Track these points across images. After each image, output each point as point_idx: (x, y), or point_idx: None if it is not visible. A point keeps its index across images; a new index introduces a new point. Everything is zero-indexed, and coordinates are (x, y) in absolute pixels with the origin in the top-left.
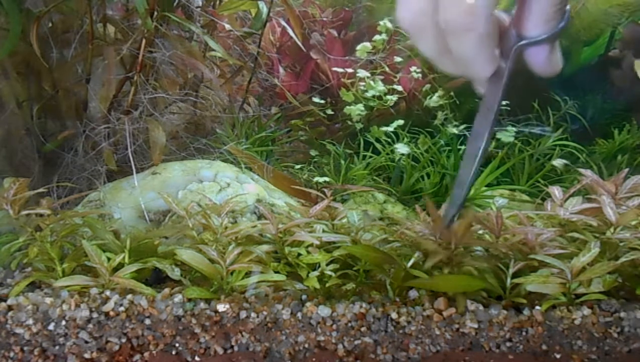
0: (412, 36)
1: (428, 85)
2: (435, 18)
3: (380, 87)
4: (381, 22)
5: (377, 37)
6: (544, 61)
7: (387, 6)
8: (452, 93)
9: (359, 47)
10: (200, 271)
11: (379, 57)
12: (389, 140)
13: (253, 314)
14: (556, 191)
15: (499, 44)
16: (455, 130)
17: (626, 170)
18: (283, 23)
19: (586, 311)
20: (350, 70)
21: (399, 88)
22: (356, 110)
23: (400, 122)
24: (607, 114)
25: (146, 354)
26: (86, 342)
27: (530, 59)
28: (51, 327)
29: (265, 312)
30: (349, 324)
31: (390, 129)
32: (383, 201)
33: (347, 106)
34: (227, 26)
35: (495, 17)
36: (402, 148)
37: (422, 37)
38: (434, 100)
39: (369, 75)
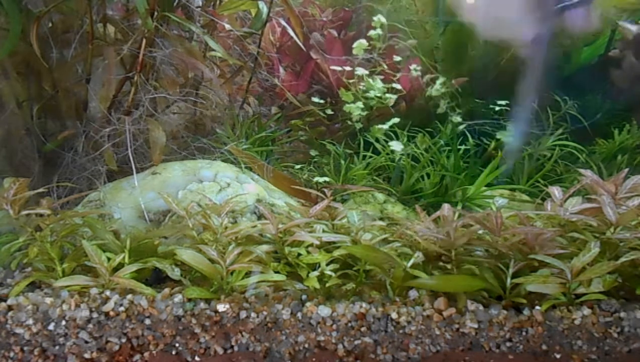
0: (458, 4)
1: (428, 76)
2: None
3: (379, 84)
4: (375, 18)
5: (372, 32)
6: (582, 21)
7: (386, 6)
8: (453, 82)
9: (355, 44)
10: (200, 271)
11: (377, 53)
12: (389, 140)
13: (253, 314)
14: (556, 191)
15: (538, 9)
16: (459, 119)
17: (626, 170)
18: (283, 23)
19: (586, 311)
20: (348, 68)
21: (398, 87)
22: (355, 108)
23: (397, 120)
24: (607, 114)
25: (146, 354)
26: (86, 342)
27: (568, 21)
28: (51, 327)
29: (265, 312)
30: (349, 324)
31: (385, 126)
32: (383, 201)
33: (346, 104)
34: (227, 26)
35: None
36: (396, 145)
37: (469, 4)
38: (436, 88)
39: (367, 73)
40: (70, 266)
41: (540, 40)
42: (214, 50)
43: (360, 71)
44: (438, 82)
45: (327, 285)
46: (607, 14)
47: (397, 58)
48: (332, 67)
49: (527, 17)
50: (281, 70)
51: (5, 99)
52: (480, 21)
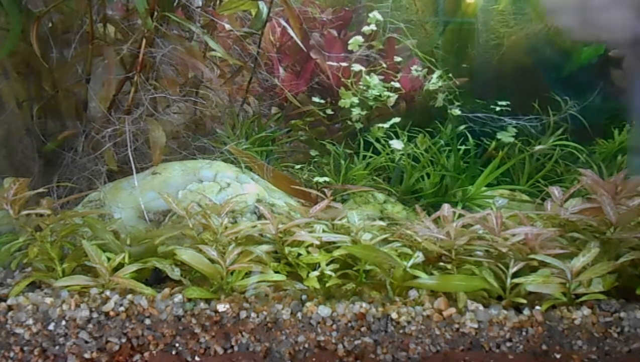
0: (553, 7)
1: (425, 70)
2: None
3: (376, 81)
4: (371, 15)
5: (365, 27)
6: None
7: (386, 6)
8: (451, 75)
9: (351, 40)
10: (200, 271)
11: (375, 51)
12: (389, 139)
13: (253, 314)
14: (556, 191)
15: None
16: (458, 112)
17: (626, 170)
18: (283, 23)
19: (586, 311)
20: (344, 64)
21: (398, 85)
22: (351, 102)
23: (397, 119)
24: (607, 114)
25: (146, 354)
26: (86, 342)
27: None
28: (51, 327)
29: (265, 312)
30: (349, 324)
31: (386, 125)
32: (383, 201)
33: (342, 100)
34: (227, 26)
35: None
36: (396, 144)
37: (564, 8)
38: (433, 81)
39: (364, 69)
40: (70, 266)
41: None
42: (214, 50)
43: (357, 67)
44: (435, 75)
45: (327, 285)
46: None
47: (398, 58)
48: (328, 63)
49: (627, 18)
50: (281, 70)
51: (5, 99)
52: (577, 24)
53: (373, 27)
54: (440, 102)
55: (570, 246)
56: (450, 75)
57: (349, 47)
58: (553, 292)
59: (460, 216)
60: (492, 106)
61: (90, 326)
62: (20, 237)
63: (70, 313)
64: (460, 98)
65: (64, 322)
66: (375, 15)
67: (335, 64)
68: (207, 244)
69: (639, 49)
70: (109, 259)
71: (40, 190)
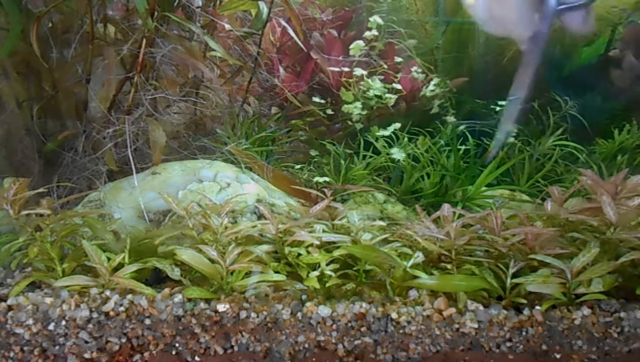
0: (470, 8)
1: (422, 75)
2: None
3: (378, 84)
4: (371, 19)
5: (367, 33)
6: (581, 23)
7: (386, 6)
8: (448, 83)
9: (352, 45)
10: (200, 271)
11: (376, 53)
12: (390, 140)
13: (253, 314)
14: (556, 190)
15: (538, 8)
16: (453, 119)
17: (626, 170)
18: (283, 23)
19: (586, 311)
20: (346, 69)
21: (399, 87)
22: (354, 107)
23: (398, 125)
24: (607, 114)
25: (146, 354)
26: (86, 342)
27: (567, 21)
28: (51, 327)
29: (265, 312)
30: (349, 324)
31: (387, 133)
32: (383, 201)
33: (345, 105)
34: (227, 26)
35: None
36: (397, 154)
37: (477, 7)
38: (430, 88)
39: (366, 73)
40: (70, 266)
41: (539, 38)
42: (214, 50)
43: (359, 71)
44: (432, 82)
45: (327, 285)
46: (608, 14)
47: (399, 59)
48: (330, 68)
49: (528, 15)
50: (281, 70)
51: (5, 99)
52: (482, 18)
53: (375, 32)
54: (436, 109)
55: (570, 246)
56: (448, 82)
57: (351, 53)
58: (553, 292)
59: (460, 216)
60: (492, 106)
61: (90, 326)
62: (20, 237)
63: (70, 313)
64: (457, 103)
65: (64, 322)
66: (376, 19)
67: (336, 69)
68: (207, 244)
69: (535, 41)
70: (109, 259)
71: (40, 190)
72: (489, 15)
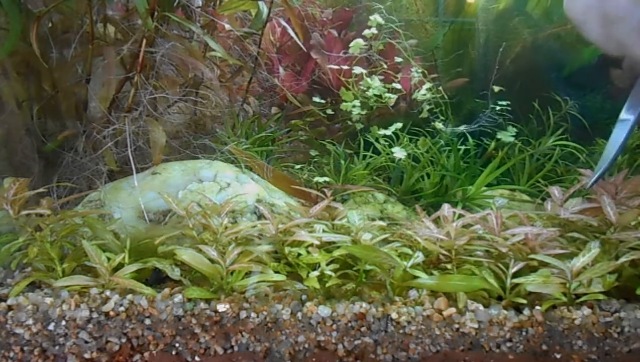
0: (579, 24)
1: (417, 78)
2: (599, 8)
3: (377, 83)
4: (371, 17)
5: (366, 31)
6: None
7: (386, 6)
8: (440, 89)
9: (352, 43)
10: (200, 271)
11: (375, 52)
12: (389, 141)
13: (253, 314)
14: (556, 191)
15: None
16: (441, 125)
17: (626, 170)
18: (283, 23)
19: (586, 311)
20: (345, 67)
21: (399, 86)
22: (352, 105)
23: (399, 125)
24: (607, 114)
25: (146, 354)
26: (86, 342)
27: None
28: (51, 327)
29: (265, 312)
30: (349, 324)
31: (388, 132)
32: (383, 201)
33: (344, 103)
34: (227, 26)
35: None
36: (399, 153)
37: (588, 24)
38: (421, 93)
39: (365, 72)
40: (70, 266)
41: None
42: (214, 50)
43: (358, 70)
44: (425, 86)
45: (327, 285)
46: None
47: (399, 59)
48: (329, 66)
49: None
50: (281, 70)
51: (5, 99)
52: (597, 38)
53: (374, 30)
54: (425, 113)
55: (570, 246)
56: (440, 88)
57: (350, 51)
58: (553, 292)
59: (460, 216)
60: (492, 106)
61: (90, 326)
62: (20, 237)
63: (70, 313)
64: (457, 104)
65: (64, 322)
66: (377, 18)
67: (336, 67)
68: (207, 244)
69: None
70: (109, 259)
71: (40, 190)
72: (606, 35)
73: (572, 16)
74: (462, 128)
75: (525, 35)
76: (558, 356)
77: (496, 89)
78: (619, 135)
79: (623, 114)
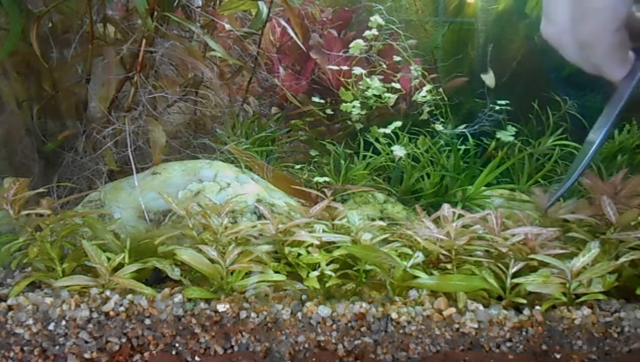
0: (556, 47)
1: (417, 80)
2: (572, 33)
3: (377, 84)
4: (372, 18)
5: (367, 32)
6: None
7: (386, 6)
8: (440, 91)
9: (352, 44)
10: (200, 271)
11: (375, 53)
12: (389, 141)
13: (253, 314)
14: (538, 191)
15: (635, 47)
16: (441, 127)
17: (626, 170)
18: (283, 23)
19: (586, 311)
20: (345, 67)
21: (398, 86)
22: (352, 107)
23: (399, 123)
24: None
25: (146, 354)
26: (86, 342)
27: None
28: (51, 327)
29: (265, 312)
30: (349, 324)
31: (388, 130)
32: (383, 201)
33: (344, 103)
34: (227, 26)
35: (635, 19)
36: (399, 151)
37: (564, 47)
38: (421, 95)
39: (365, 72)
40: (70, 266)
41: (630, 77)
42: (214, 50)
43: (358, 70)
44: (425, 88)
45: (327, 285)
46: None
47: (397, 58)
48: (329, 67)
49: (615, 61)
50: (281, 70)
51: (5, 99)
52: (569, 54)
53: (375, 31)
54: (425, 115)
55: (570, 246)
56: (440, 89)
57: (351, 51)
58: (553, 292)
59: (460, 216)
60: (491, 105)
61: (90, 326)
62: (20, 237)
63: (70, 313)
64: (457, 104)
65: (64, 322)
66: (377, 19)
67: (336, 67)
68: (207, 244)
69: (628, 80)
70: (109, 259)
71: (40, 190)
72: (582, 57)
73: (548, 40)
74: (461, 128)
75: (525, 36)
76: (558, 356)
77: (487, 79)
78: (581, 156)
79: (590, 135)
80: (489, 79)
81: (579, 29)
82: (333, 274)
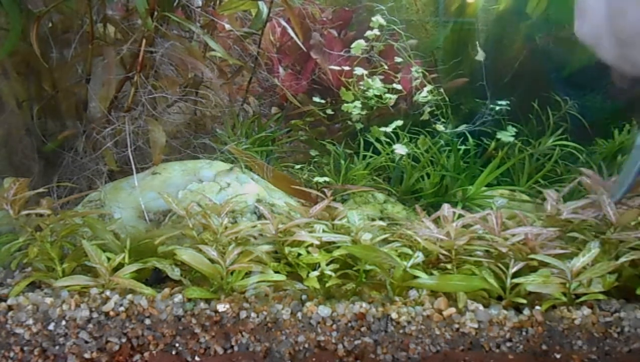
0: (592, 47)
1: (418, 81)
2: (610, 30)
3: (378, 84)
4: (373, 19)
5: (369, 32)
6: None
7: (387, 6)
8: (442, 91)
9: (353, 44)
10: (200, 271)
11: (376, 53)
12: (389, 140)
13: (253, 314)
14: (552, 193)
15: None
16: (441, 127)
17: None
18: (283, 23)
19: (586, 311)
20: (347, 68)
21: (399, 87)
22: (353, 107)
23: (400, 122)
24: (607, 114)
25: (146, 354)
26: (86, 342)
27: None
28: (51, 327)
29: (265, 312)
30: (349, 324)
31: (389, 130)
32: (383, 201)
33: (344, 104)
34: (227, 26)
35: None
36: (400, 149)
37: (601, 47)
38: (422, 95)
39: (366, 73)
40: (70, 266)
41: None
42: (214, 50)
43: (359, 71)
44: (426, 88)
45: (327, 285)
46: None
47: (399, 59)
48: (331, 67)
49: None
50: (281, 70)
51: (5, 99)
52: (614, 61)
53: (376, 32)
54: (426, 115)
55: (570, 246)
56: (442, 90)
57: (352, 52)
58: (553, 292)
59: (460, 216)
60: (491, 105)
61: (90, 326)
62: (20, 237)
63: (70, 313)
64: (456, 105)
65: (64, 322)
66: (378, 19)
67: (337, 67)
68: (207, 244)
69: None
70: (109, 259)
71: (40, 190)
72: (620, 56)
73: (584, 39)
74: (462, 128)
75: (526, 36)
76: (558, 356)
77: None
78: (635, 159)
79: (638, 140)
80: (480, 55)
81: (618, 26)
82: (333, 274)
